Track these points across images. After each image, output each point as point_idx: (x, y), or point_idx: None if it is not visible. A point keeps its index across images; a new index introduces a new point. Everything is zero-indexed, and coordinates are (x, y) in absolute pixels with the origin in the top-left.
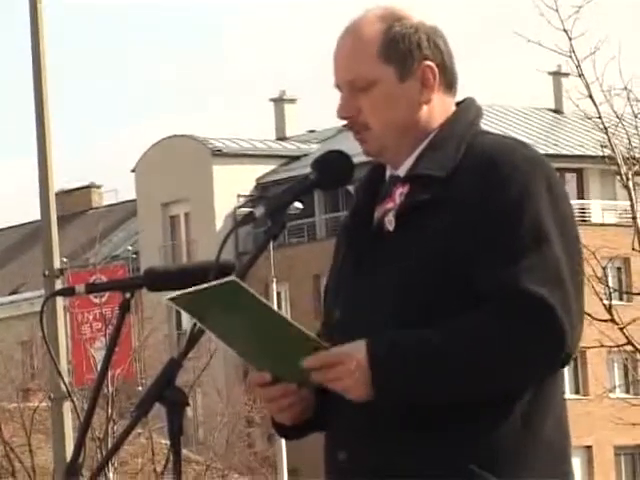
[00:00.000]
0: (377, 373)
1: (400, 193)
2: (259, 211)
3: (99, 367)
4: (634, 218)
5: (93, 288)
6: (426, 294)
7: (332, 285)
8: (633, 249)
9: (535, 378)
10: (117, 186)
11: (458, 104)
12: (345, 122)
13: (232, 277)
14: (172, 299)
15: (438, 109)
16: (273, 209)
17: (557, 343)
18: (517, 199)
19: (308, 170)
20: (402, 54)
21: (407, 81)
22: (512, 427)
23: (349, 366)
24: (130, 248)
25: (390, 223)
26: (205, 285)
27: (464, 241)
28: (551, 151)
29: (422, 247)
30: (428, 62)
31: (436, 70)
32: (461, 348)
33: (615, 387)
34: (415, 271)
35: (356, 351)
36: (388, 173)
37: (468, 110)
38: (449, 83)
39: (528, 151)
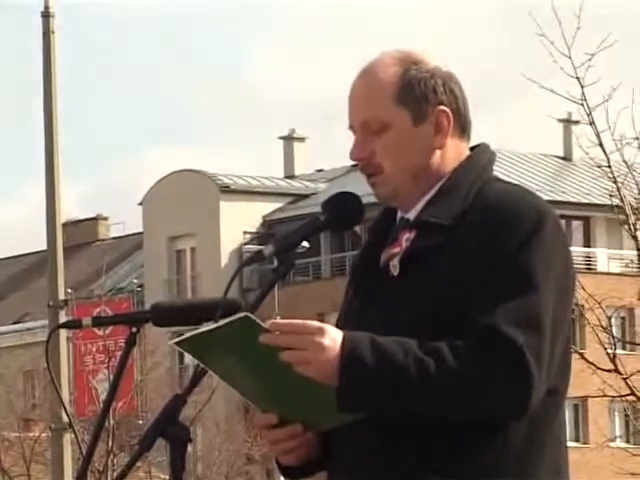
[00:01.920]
0: (348, 360)
1: (407, 238)
2: (268, 250)
3: (101, 399)
4: None
5: (100, 321)
6: (425, 340)
7: (340, 325)
8: (639, 299)
9: (495, 413)
10: (124, 218)
11: (472, 148)
12: (357, 164)
13: (245, 312)
14: (178, 343)
15: (451, 154)
16: (282, 248)
17: (521, 385)
18: (516, 247)
19: (315, 209)
20: (417, 98)
21: (421, 125)
22: (507, 467)
23: (319, 339)
24: (135, 281)
25: (395, 268)
26: (217, 324)
27: (462, 288)
28: (558, 198)
29: (423, 293)
30: (443, 107)
31: (451, 115)
32: (426, 373)
33: (616, 437)
34: (414, 317)
35: (332, 330)
36: (399, 215)
37: (481, 156)
38: (463, 129)
39: (535, 200)
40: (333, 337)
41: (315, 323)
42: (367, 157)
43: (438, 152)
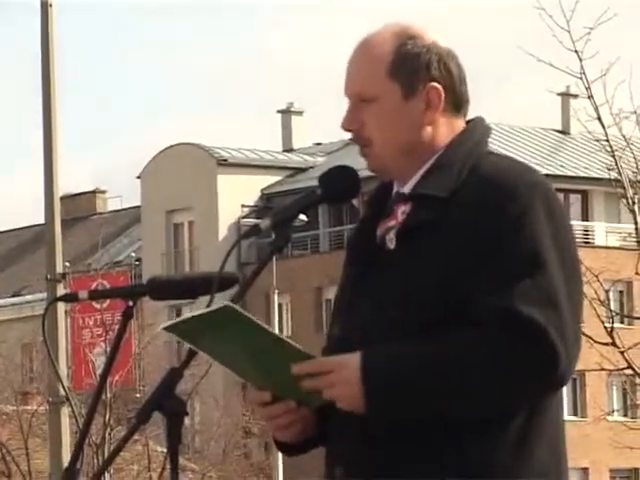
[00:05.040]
0: (369, 386)
1: (402, 211)
2: (265, 223)
3: (98, 372)
4: (639, 242)
5: (96, 295)
6: (424, 313)
7: (336, 300)
8: (636, 273)
9: (527, 399)
10: (122, 192)
11: (467, 122)
12: (350, 134)
13: (227, 302)
14: (167, 328)
15: (443, 131)
16: (279, 222)
17: (549, 365)
18: (515, 223)
19: (313, 182)
20: (409, 73)
21: (411, 100)
22: (506, 450)
23: (340, 375)
24: (133, 254)
25: (391, 241)
26: (199, 312)
27: (460, 262)
28: (556, 172)
29: (420, 266)
30: (434, 83)
31: (442, 92)
32: (452, 368)
33: (613, 411)
34: (413, 290)
35: (350, 361)
36: (395, 189)
37: (475, 130)
38: (457, 106)
39: (531, 175)
40: (351, 368)
41: (333, 360)
42: (357, 128)
43: (429, 128)
